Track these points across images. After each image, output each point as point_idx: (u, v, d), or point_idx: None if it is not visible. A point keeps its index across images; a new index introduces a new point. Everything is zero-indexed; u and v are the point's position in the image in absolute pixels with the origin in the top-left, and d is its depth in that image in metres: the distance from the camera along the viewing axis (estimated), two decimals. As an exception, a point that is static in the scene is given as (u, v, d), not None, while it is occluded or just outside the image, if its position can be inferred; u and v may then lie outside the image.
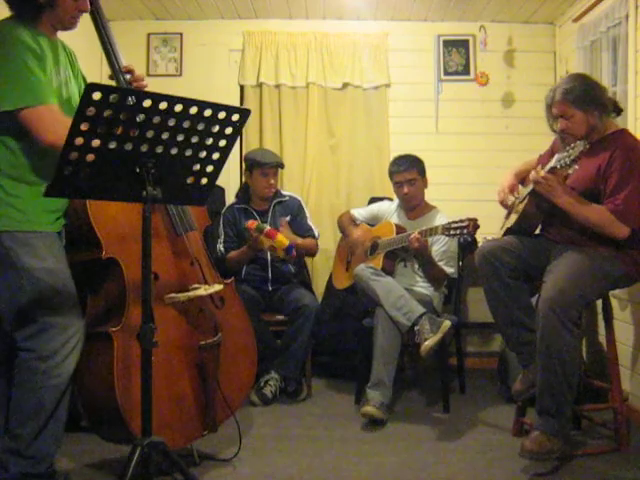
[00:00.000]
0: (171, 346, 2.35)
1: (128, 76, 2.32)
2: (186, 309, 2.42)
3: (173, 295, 2.36)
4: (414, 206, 3.67)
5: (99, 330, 2.25)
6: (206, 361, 2.41)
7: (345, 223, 3.89)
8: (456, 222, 3.06)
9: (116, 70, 2.31)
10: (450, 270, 3.51)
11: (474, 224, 3.01)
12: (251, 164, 3.73)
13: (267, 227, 3.40)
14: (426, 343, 3.05)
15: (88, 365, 2.27)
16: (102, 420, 2.32)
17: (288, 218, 3.79)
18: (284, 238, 3.39)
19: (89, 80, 2.29)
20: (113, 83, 2.32)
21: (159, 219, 2.43)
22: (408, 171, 3.58)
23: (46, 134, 2.00)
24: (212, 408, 2.44)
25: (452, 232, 3.07)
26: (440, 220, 3.45)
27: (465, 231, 3.02)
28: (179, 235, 2.47)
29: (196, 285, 2.44)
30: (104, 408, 2.24)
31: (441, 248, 3.51)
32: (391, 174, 3.67)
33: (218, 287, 2.48)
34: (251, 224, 3.43)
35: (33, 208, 2.11)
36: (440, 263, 3.48)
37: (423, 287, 3.53)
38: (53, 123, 2.01)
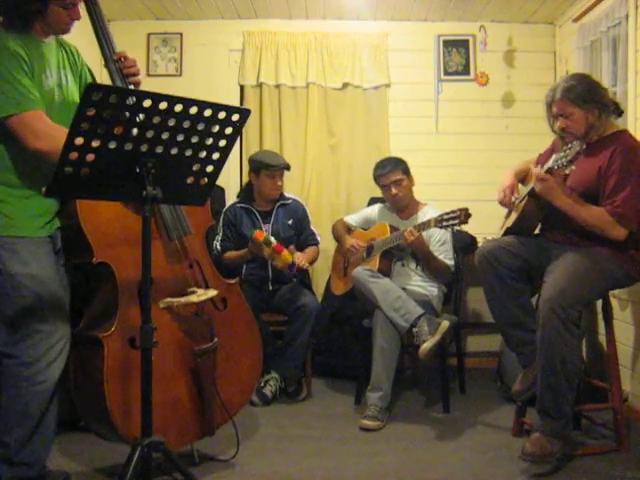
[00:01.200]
0: (166, 350, 2.32)
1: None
2: (181, 314, 2.40)
3: (168, 300, 2.34)
4: (405, 206, 3.66)
5: (91, 334, 2.24)
6: (201, 366, 2.40)
7: (340, 231, 3.89)
8: (448, 213, 3.10)
9: (107, 58, 2.29)
10: (450, 262, 3.52)
11: (465, 213, 3.03)
12: (258, 166, 3.72)
13: (274, 242, 3.41)
14: (424, 345, 3.04)
15: (82, 367, 2.27)
16: (94, 420, 2.33)
17: (290, 222, 3.79)
18: (289, 255, 3.41)
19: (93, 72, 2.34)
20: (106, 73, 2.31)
21: (153, 223, 2.36)
22: (393, 172, 3.57)
23: (33, 141, 2.00)
24: (209, 412, 2.43)
25: (444, 223, 3.11)
26: (432, 214, 3.43)
27: (457, 221, 3.04)
28: (172, 239, 2.43)
29: (194, 288, 2.42)
30: (95, 410, 2.24)
31: (438, 242, 3.51)
32: (376, 178, 3.66)
33: (212, 293, 2.45)
34: (259, 235, 3.42)
35: (20, 213, 2.09)
36: (440, 256, 3.48)
37: (421, 287, 3.53)
38: (39, 130, 2.00)
